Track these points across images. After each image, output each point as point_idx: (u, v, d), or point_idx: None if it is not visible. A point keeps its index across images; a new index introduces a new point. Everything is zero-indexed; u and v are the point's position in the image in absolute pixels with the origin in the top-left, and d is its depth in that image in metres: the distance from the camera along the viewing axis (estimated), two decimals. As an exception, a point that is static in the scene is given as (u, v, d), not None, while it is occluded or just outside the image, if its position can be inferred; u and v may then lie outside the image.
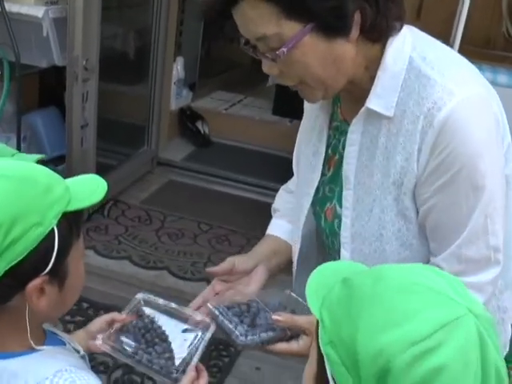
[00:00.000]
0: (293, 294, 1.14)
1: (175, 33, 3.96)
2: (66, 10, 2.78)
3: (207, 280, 1.29)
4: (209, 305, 1.16)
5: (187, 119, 4.33)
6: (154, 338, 1.10)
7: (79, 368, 0.91)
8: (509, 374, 1.32)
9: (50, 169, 0.90)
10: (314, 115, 1.24)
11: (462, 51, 1.14)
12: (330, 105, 1.19)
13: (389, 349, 0.67)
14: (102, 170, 2.96)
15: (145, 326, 1.12)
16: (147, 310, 1.16)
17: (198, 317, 1.16)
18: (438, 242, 1.08)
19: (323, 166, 1.21)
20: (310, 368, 0.82)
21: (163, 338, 1.11)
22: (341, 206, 1.16)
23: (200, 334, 1.13)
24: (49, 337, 0.97)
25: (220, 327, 1.13)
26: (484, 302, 1.08)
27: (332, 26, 0.98)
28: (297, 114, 1.33)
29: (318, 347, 0.76)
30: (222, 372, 2.33)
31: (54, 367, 0.88)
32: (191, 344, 1.10)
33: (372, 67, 1.06)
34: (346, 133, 1.13)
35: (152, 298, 1.19)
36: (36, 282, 0.84)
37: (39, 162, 0.94)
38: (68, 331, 1.09)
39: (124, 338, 1.09)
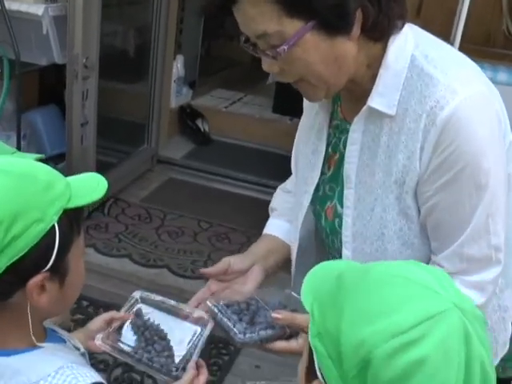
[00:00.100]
0: (293, 294, 1.14)
1: (175, 31, 3.96)
2: (66, 8, 2.78)
3: (207, 278, 1.28)
4: (208, 302, 1.16)
5: (187, 117, 4.32)
6: (153, 336, 1.11)
7: (81, 365, 0.92)
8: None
9: (51, 167, 0.91)
10: (313, 113, 1.23)
11: (462, 49, 1.14)
12: (331, 103, 1.19)
13: (370, 340, 0.68)
14: (102, 168, 2.96)
15: (143, 324, 1.12)
16: (145, 308, 1.16)
17: (196, 314, 1.16)
18: (439, 241, 1.08)
19: (323, 164, 1.20)
20: (303, 363, 0.82)
21: (162, 336, 1.11)
22: (341, 205, 1.16)
23: (199, 330, 1.13)
24: (49, 334, 0.97)
25: (219, 325, 1.13)
26: (485, 301, 1.08)
27: (333, 23, 0.98)
28: (297, 112, 1.33)
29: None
30: (221, 370, 2.33)
31: (56, 364, 0.88)
32: (190, 341, 1.11)
33: (374, 65, 1.06)
34: (347, 131, 1.13)
35: (150, 295, 1.19)
36: (37, 279, 0.85)
37: (38, 161, 0.94)
38: (68, 330, 1.09)
39: (123, 337, 1.09)
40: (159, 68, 3.74)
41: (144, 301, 1.17)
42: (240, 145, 4.25)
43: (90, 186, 0.92)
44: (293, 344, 1.08)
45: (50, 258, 0.85)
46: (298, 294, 0.92)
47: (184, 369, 1.04)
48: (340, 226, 1.16)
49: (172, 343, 1.11)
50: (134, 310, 1.16)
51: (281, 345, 1.09)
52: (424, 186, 1.04)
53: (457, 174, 1.01)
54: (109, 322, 1.12)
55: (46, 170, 0.88)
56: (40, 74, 3.36)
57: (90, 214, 3.22)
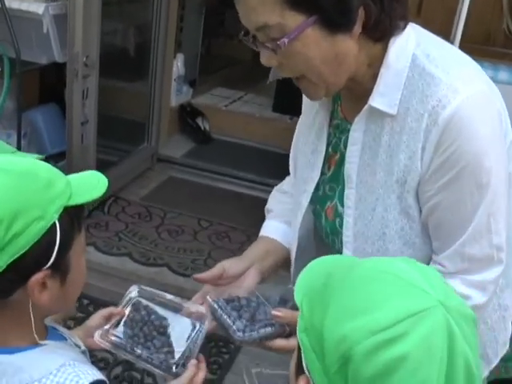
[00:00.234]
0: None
1: (175, 29, 3.95)
2: (66, 7, 2.78)
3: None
4: (208, 298, 1.16)
5: (187, 116, 4.32)
6: (152, 331, 1.10)
7: (82, 362, 0.92)
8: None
9: (51, 165, 0.91)
10: (313, 112, 1.23)
11: (462, 48, 1.14)
12: (331, 102, 1.18)
13: (352, 336, 0.68)
14: (102, 167, 2.96)
15: (142, 319, 1.11)
16: (143, 303, 1.15)
17: (194, 308, 1.15)
18: (441, 240, 1.08)
19: (323, 164, 1.20)
20: (293, 359, 0.83)
21: (161, 331, 1.10)
22: (342, 205, 1.15)
23: (198, 325, 1.12)
24: (50, 332, 0.97)
25: (218, 321, 1.12)
26: (486, 301, 1.08)
27: (335, 19, 0.98)
28: (297, 111, 1.33)
29: None
30: (221, 369, 2.33)
31: (57, 361, 0.89)
32: (189, 337, 1.10)
33: (375, 65, 1.06)
34: (347, 131, 1.13)
35: (147, 290, 1.17)
36: (38, 276, 0.85)
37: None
38: (68, 327, 1.09)
39: (122, 333, 1.08)
40: (159, 66, 3.74)
41: (141, 295, 1.16)
42: (240, 143, 4.24)
43: (90, 184, 0.92)
44: (292, 342, 1.06)
45: (50, 256, 0.85)
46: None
47: (184, 365, 1.04)
48: (341, 225, 1.16)
49: (171, 338, 1.10)
50: (132, 304, 1.14)
51: (280, 343, 1.09)
52: (425, 185, 1.04)
53: (458, 173, 1.00)
54: (107, 318, 1.12)
55: (47, 168, 0.88)
56: (40, 72, 3.36)
57: (90, 213, 3.22)
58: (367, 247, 1.12)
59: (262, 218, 1.41)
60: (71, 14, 2.74)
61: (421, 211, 1.08)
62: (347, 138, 1.13)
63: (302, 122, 1.29)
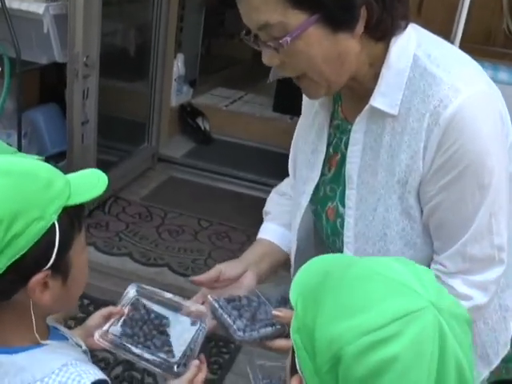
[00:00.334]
0: None
1: (175, 29, 3.95)
2: (67, 7, 2.78)
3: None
4: (209, 297, 1.15)
5: (188, 116, 4.32)
6: (152, 331, 1.09)
7: (84, 362, 0.92)
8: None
9: (51, 165, 0.91)
10: (312, 113, 1.23)
11: (462, 48, 1.14)
12: (331, 102, 1.18)
13: (343, 336, 0.68)
14: (102, 167, 2.91)
15: (141, 318, 1.11)
16: (142, 302, 1.15)
17: (193, 307, 1.15)
18: (442, 241, 1.08)
19: (323, 164, 1.20)
20: (288, 359, 0.83)
21: (161, 330, 1.10)
22: (343, 206, 1.15)
23: (198, 324, 1.12)
24: (52, 332, 0.97)
25: (219, 321, 1.12)
26: (487, 301, 1.08)
27: (338, 18, 0.98)
28: (297, 111, 1.33)
29: None
30: (222, 369, 2.33)
31: (59, 361, 0.89)
32: (189, 336, 1.09)
33: (376, 65, 1.05)
34: (348, 132, 1.13)
35: (145, 288, 1.17)
36: (39, 277, 0.85)
37: (38, 160, 0.94)
38: (69, 327, 1.09)
39: (121, 332, 1.08)
40: (159, 66, 3.74)
41: (140, 294, 1.16)
42: (240, 143, 4.24)
43: (90, 183, 0.92)
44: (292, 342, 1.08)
45: (50, 256, 0.85)
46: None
47: (185, 365, 1.04)
48: (342, 226, 1.16)
49: (171, 338, 1.10)
50: (131, 303, 1.13)
51: (280, 343, 1.09)
52: (427, 185, 1.04)
53: (460, 173, 1.00)
54: (107, 318, 1.12)
55: (47, 168, 0.88)
56: (41, 72, 3.36)
57: (90, 213, 3.22)
58: (368, 248, 1.12)
59: (262, 219, 1.41)
60: (71, 14, 2.74)
61: (422, 212, 1.07)
62: (348, 138, 1.13)
63: (302, 122, 1.29)
